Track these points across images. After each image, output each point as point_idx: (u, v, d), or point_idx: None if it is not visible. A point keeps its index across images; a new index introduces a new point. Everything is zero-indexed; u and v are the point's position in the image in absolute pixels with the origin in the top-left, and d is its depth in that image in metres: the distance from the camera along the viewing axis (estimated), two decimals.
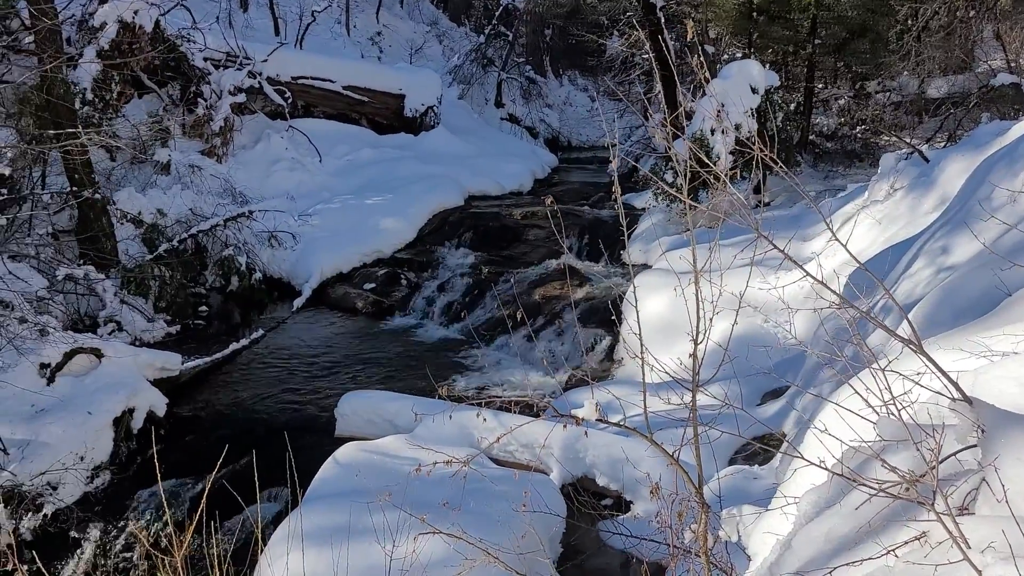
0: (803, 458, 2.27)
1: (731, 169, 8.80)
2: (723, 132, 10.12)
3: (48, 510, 6.48)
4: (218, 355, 9.41)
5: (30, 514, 6.36)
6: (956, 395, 1.87)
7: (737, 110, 10.23)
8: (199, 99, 13.62)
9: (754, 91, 10.54)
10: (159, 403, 7.88)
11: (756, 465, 5.93)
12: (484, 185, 15.13)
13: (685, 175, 3.82)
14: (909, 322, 2.07)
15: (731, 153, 9.76)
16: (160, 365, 8.42)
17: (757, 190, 10.71)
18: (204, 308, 10.83)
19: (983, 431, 1.77)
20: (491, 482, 5.17)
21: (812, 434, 2.97)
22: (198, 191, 12.12)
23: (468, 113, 19.05)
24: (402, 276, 11.61)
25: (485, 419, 4.37)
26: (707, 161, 3.73)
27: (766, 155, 2.44)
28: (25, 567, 4.29)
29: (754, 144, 3.23)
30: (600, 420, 3.52)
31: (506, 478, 5.38)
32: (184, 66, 13.59)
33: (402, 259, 12.16)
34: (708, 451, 4.04)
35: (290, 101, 15.00)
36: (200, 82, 13.68)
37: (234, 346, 9.68)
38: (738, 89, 10.41)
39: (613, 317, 8.24)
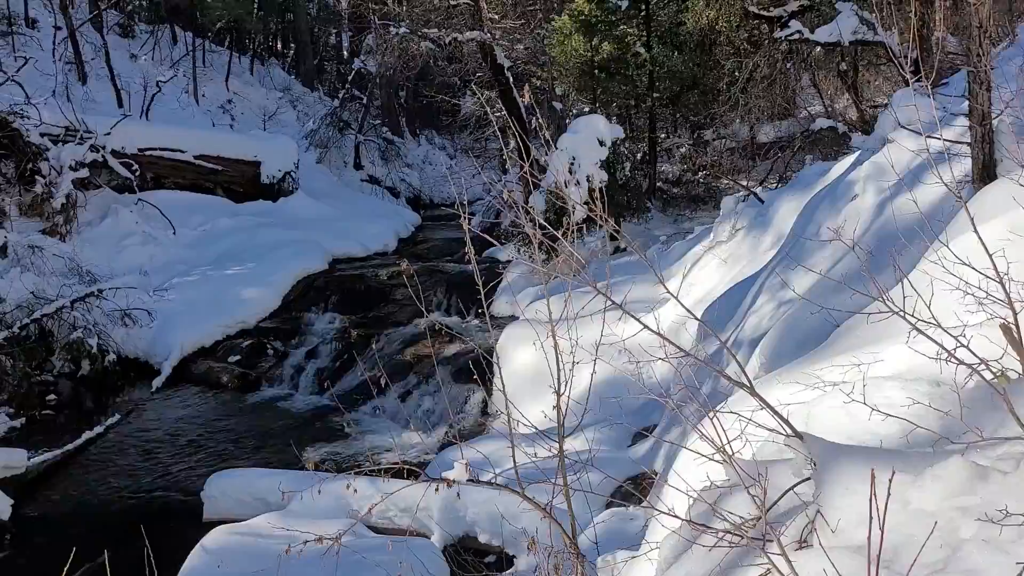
0: (654, 509, 2.38)
1: (584, 220, 9.14)
2: (576, 184, 10.52)
3: None
4: (69, 446, 8.80)
5: None
6: (788, 431, 2.03)
7: (588, 162, 10.68)
8: (37, 176, 12.92)
9: (601, 144, 11.04)
10: (3, 506, 7.29)
11: (631, 506, 6.09)
12: (348, 247, 15.02)
13: (535, 237, 3.97)
14: (741, 366, 2.24)
15: (585, 203, 10.15)
16: (3, 463, 7.82)
17: (613, 237, 11.16)
18: (52, 396, 10.14)
19: (815, 464, 1.92)
20: (369, 553, 5.07)
21: (671, 477, 3.12)
22: (40, 272, 11.42)
23: (327, 176, 18.93)
24: (268, 346, 11.29)
25: (356, 490, 4.31)
26: (552, 223, 3.90)
27: (601, 216, 2.59)
28: None
29: (605, 193, 3.42)
30: (471, 481, 3.57)
31: (386, 544, 5.28)
32: (19, 143, 12.88)
33: (268, 328, 11.84)
34: (584, 497, 4.13)
35: (138, 174, 14.44)
36: (37, 158, 12.99)
37: (87, 435, 9.09)
38: (587, 142, 10.89)
39: (483, 371, 8.32)
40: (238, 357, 11.05)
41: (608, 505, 6.30)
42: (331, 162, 20.07)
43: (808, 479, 1.97)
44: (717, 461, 2.16)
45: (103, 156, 13.92)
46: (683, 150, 15.76)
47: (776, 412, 2.09)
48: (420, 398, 9.37)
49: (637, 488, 6.29)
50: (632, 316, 2.46)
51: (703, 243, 9.38)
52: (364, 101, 21.79)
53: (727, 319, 6.87)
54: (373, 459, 8.23)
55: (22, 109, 13.31)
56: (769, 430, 2.15)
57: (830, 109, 14.82)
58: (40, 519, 7.66)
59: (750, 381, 2.17)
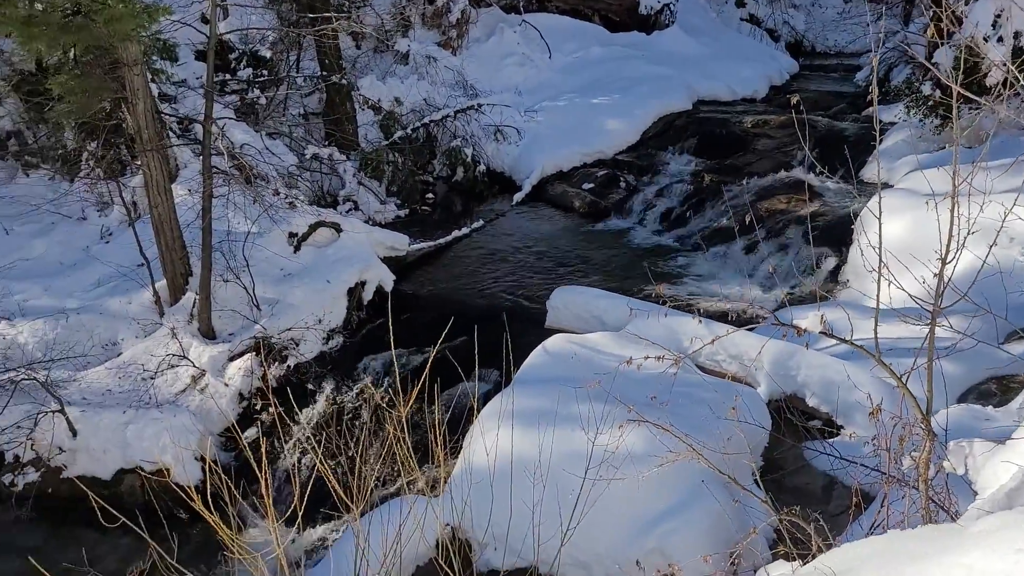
0: None
1: (1001, 84, 7.79)
2: (998, 40, 8.94)
3: (291, 362, 7.27)
4: (442, 240, 9.94)
5: (276, 363, 7.18)
6: None
7: (1021, 14, 8.95)
8: None
9: None
10: (387, 279, 8.50)
11: (991, 406, 5.47)
12: (715, 89, 14.43)
13: (956, 80, 3.45)
14: None
15: (1005, 64, 8.61)
16: (390, 244, 9.03)
17: None
18: (430, 195, 11.39)
19: None
20: (695, 389, 5.15)
21: None
22: (432, 82, 12.58)
23: (706, 12, 18.08)
24: (621, 179, 11.50)
25: (701, 321, 4.32)
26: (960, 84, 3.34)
27: None
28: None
29: None
30: (824, 333, 3.38)
31: (713, 384, 5.33)
32: None
33: (623, 161, 12.02)
34: (938, 384, 3.75)
35: None
36: None
37: (456, 233, 10.18)
38: None
39: (848, 233, 7.72)
40: (591, 185, 11.42)
41: (961, 400, 5.72)
42: None
43: None
44: None
45: None
46: None
47: None
48: (767, 253, 9.04)
49: (1002, 388, 5.62)
50: None
51: None
52: None
53: None
54: (712, 302, 8.23)
55: None
56: None
57: None
58: (412, 297, 8.86)
59: None
